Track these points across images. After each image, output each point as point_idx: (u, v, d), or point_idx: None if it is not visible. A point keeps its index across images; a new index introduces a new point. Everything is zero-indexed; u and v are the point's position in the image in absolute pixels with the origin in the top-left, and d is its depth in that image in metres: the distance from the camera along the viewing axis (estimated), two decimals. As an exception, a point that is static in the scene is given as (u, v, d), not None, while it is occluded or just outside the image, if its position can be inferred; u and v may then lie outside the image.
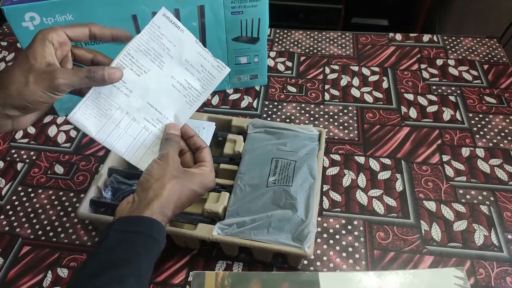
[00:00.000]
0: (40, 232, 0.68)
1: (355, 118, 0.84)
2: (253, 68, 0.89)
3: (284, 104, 0.88)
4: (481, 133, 0.81)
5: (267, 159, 0.68)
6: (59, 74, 0.44)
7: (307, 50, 1.01)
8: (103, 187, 0.66)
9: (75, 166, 0.77)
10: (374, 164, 0.76)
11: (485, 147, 0.78)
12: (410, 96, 0.89)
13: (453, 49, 1.00)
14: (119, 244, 0.43)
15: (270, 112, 0.86)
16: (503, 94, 0.88)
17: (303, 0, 1.70)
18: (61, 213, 0.70)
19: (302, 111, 0.86)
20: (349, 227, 0.67)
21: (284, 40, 1.04)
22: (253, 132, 0.73)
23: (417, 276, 0.60)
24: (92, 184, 0.65)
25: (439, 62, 0.97)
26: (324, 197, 0.71)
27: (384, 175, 0.74)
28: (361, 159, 0.77)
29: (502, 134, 0.81)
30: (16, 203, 0.72)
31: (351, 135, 0.81)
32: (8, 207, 0.71)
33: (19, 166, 0.78)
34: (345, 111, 0.86)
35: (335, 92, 0.90)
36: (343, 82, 0.92)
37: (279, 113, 0.86)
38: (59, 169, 0.77)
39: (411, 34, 1.05)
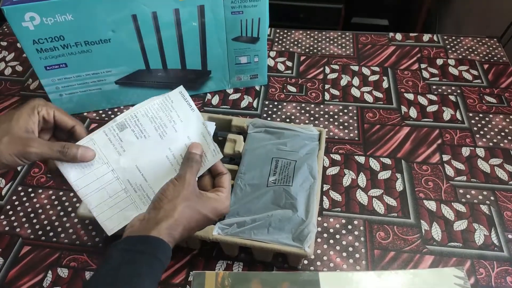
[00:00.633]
0: (40, 232, 0.68)
1: (355, 118, 0.84)
2: (253, 68, 0.89)
3: (284, 104, 0.88)
4: (481, 132, 0.81)
5: (267, 159, 0.68)
6: (33, 143, 0.45)
7: (307, 50, 1.01)
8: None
9: (75, 166, 0.77)
10: (374, 164, 0.76)
11: (485, 147, 0.78)
12: (410, 96, 0.89)
13: (453, 49, 1.00)
14: (121, 265, 0.43)
15: (270, 112, 0.86)
16: (503, 93, 0.88)
17: (303, 0, 1.70)
18: (61, 213, 0.70)
19: (302, 111, 0.86)
20: (349, 226, 0.67)
21: (284, 40, 1.04)
22: (253, 132, 0.73)
23: (417, 276, 0.60)
24: (92, 184, 0.65)
25: (439, 61, 0.97)
26: (324, 197, 0.71)
27: (384, 174, 0.74)
28: (361, 159, 0.77)
29: (502, 133, 0.81)
30: (16, 203, 0.72)
31: (351, 135, 0.81)
32: (8, 207, 0.71)
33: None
34: (345, 110, 0.86)
35: (335, 92, 0.90)
36: (343, 82, 0.92)
37: (279, 113, 0.86)
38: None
39: (411, 34, 1.05)
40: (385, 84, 0.92)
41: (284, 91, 0.91)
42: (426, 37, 1.04)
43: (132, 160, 0.51)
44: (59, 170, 0.49)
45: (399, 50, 1.00)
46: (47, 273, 0.63)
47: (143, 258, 0.43)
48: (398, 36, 1.04)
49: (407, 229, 0.67)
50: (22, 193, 0.73)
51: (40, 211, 0.70)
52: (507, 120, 0.83)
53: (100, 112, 0.88)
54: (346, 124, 0.83)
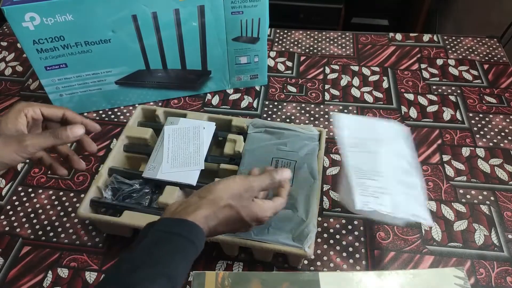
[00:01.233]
0: (40, 232, 0.68)
1: (355, 118, 0.84)
2: (253, 68, 0.89)
3: (284, 104, 0.88)
4: (481, 132, 0.81)
5: (267, 159, 0.68)
6: (26, 137, 0.47)
7: (307, 50, 1.01)
8: (103, 187, 0.66)
9: (75, 166, 0.77)
10: (374, 164, 0.76)
11: (485, 147, 0.78)
12: (410, 96, 0.89)
13: (453, 49, 1.00)
14: (157, 244, 0.43)
15: (270, 112, 0.86)
16: (503, 94, 0.88)
17: (303, 0, 1.70)
18: (61, 213, 0.70)
19: (302, 111, 0.86)
20: (349, 227, 0.67)
21: (284, 40, 1.04)
22: (253, 132, 0.73)
23: (417, 276, 0.59)
24: (92, 184, 0.65)
25: (439, 62, 0.97)
26: (324, 197, 0.71)
27: (384, 175, 0.74)
28: (361, 159, 0.77)
29: (502, 134, 0.81)
30: (17, 203, 0.72)
31: (351, 135, 0.81)
32: (8, 207, 0.71)
33: (19, 166, 0.78)
34: (345, 111, 0.86)
35: (335, 92, 0.90)
36: (343, 82, 0.92)
37: (279, 113, 0.86)
38: (59, 169, 0.77)
39: (411, 34, 1.05)
40: (385, 84, 0.92)
41: (284, 91, 0.91)
42: (426, 37, 1.04)
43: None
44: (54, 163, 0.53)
45: (399, 50, 1.00)
46: (47, 273, 0.63)
47: (179, 240, 0.44)
48: (398, 36, 1.04)
49: (407, 229, 0.67)
50: (22, 193, 0.73)
51: (40, 211, 0.70)
52: (507, 120, 0.83)
53: (100, 112, 0.88)
54: (346, 124, 0.83)
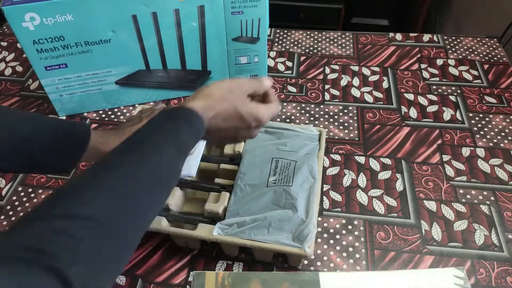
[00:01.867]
0: (40, 232, 0.68)
1: (355, 118, 0.84)
2: (253, 68, 0.89)
3: (284, 104, 0.88)
4: (481, 133, 0.81)
5: (267, 159, 0.68)
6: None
7: (307, 50, 1.01)
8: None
9: (75, 166, 0.77)
10: (374, 164, 0.76)
11: (486, 147, 0.78)
12: (410, 96, 0.89)
13: (453, 49, 1.00)
14: (162, 120, 0.45)
15: (270, 112, 0.86)
16: (503, 94, 0.88)
17: (303, 0, 1.70)
18: (61, 213, 0.70)
19: (302, 111, 0.86)
20: (350, 227, 0.67)
21: (284, 40, 1.04)
22: (253, 132, 0.73)
23: (418, 276, 0.60)
24: (92, 184, 0.65)
25: (439, 62, 0.97)
26: (324, 197, 0.71)
27: (384, 175, 0.74)
28: (361, 159, 0.77)
29: (502, 134, 0.81)
30: (17, 203, 0.72)
31: (351, 135, 0.81)
32: (9, 207, 0.71)
33: (19, 166, 0.77)
34: (345, 111, 0.86)
35: (335, 92, 0.90)
36: (343, 82, 0.92)
37: (279, 113, 0.86)
38: (59, 169, 0.77)
39: (411, 34, 1.05)
40: (385, 84, 0.92)
41: (284, 91, 0.91)
42: (426, 37, 1.04)
43: None
44: None
45: (399, 50, 1.00)
46: (47, 273, 0.63)
47: (179, 123, 0.45)
48: (398, 36, 1.04)
49: (407, 229, 0.67)
50: (22, 193, 0.73)
51: (40, 211, 0.70)
52: (507, 120, 0.83)
53: (100, 112, 0.88)
54: (346, 124, 0.83)
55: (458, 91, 0.89)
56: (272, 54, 1.00)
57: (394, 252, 0.64)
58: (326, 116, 0.85)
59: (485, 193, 0.71)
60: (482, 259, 0.63)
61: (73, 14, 0.70)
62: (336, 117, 0.85)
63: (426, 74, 0.94)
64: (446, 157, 0.77)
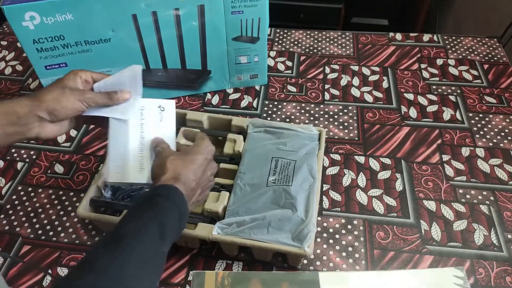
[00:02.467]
0: (40, 232, 0.68)
1: (355, 117, 0.84)
2: (253, 68, 0.89)
3: (284, 103, 0.88)
4: (481, 132, 0.81)
5: (267, 159, 0.68)
6: (87, 92, 0.55)
7: (307, 50, 1.01)
8: (103, 186, 0.66)
9: (75, 166, 0.77)
10: (374, 164, 0.76)
11: (485, 147, 0.78)
12: (410, 96, 0.89)
13: (453, 49, 1.00)
14: (141, 203, 0.49)
15: (270, 112, 0.86)
16: (503, 94, 0.88)
17: (303, 0, 1.70)
18: (61, 213, 0.70)
19: (302, 111, 0.86)
20: (349, 226, 0.67)
21: (284, 39, 1.04)
22: (253, 131, 0.73)
23: (417, 275, 0.60)
24: (92, 184, 0.65)
25: (439, 61, 0.97)
26: (324, 196, 0.71)
27: (384, 174, 0.74)
28: (361, 159, 0.77)
29: (502, 134, 0.81)
30: (16, 202, 0.72)
31: (351, 134, 0.81)
32: (8, 206, 0.71)
33: (19, 165, 0.78)
34: (345, 110, 0.86)
35: (335, 92, 0.90)
36: (343, 82, 0.92)
37: (279, 112, 0.86)
38: (59, 168, 0.77)
39: (411, 34, 1.05)
40: (385, 84, 0.92)
41: (284, 91, 0.91)
42: (426, 37, 1.04)
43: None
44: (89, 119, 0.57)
45: (399, 50, 1.00)
46: (47, 272, 0.63)
47: (159, 197, 0.49)
48: (398, 36, 1.04)
49: (406, 229, 0.67)
50: (22, 193, 0.73)
51: (40, 210, 0.70)
52: (507, 120, 0.83)
53: (100, 111, 0.87)
54: (346, 124, 0.83)
55: (458, 91, 0.89)
56: (272, 53, 1.00)
57: (393, 252, 0.64)
58: (326, 116, 0.85)
59: (484, 193, 0.71)
60: (481, 259, 0.63)
61: (73, 13, 0.70)
62: (336, 116, 0.85)
63: (426, 74, 0.94)
64: (445, 157, 0.77)
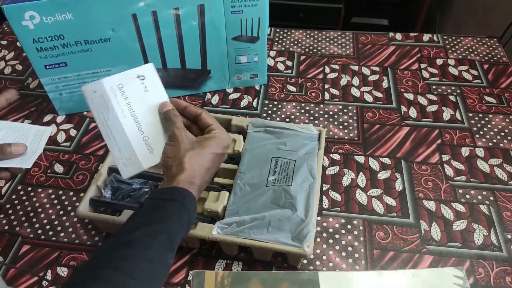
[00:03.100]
0: (39, 231, 0.68)
1: (355, 117, 0.84)
2: (253, 67, 0.89)
3: (284, 103, 0.88)
4: (481, 132, 0.81)
5: (267, 159, 0.68)
6: None
7: (307, 50, 1.01)
8: (103, 186, 0.66)
9: (74, 165, 0.77)
10: (373, 164, 0.76)
11: (485, 147, 0.78)
12: (410, 96, 0.89)
13: (453, 49, 1.00)
14: (153, 208, 0.47)
15: (270, 112, 0.86)
16: (503, 93, 0.88)
17: (303, 0, 1.70)
18: (61, 212, 0.70)
19: (302, 111, 0.86)
20: (349, 226, 0.67)
21: (284, 39, 1.04)
22: (253, 131, 0.73)
23: (417, 275, 0.60)
24: (92, 183, 0.65)
25: (439, 61, 0.97)
26: (323, 196, 0.71)
27: (383, 174, 0.74)
28: (361, 159, 0.77)
29: (502, 133, 0.81)
30: (16, 202, 0.72)
31: (351, 134, 0.81)
32: (8, 206, 0.71)
33: (19, 165, 0.77)
34: (345, 110, 0.86)
35: (335, 92, 0.90)
36: (343, 82, 0.92)
37: (279, 112, 0.86)
38: (59, 168, 0.77)
39: (411, 34, 1.05)
40: (385, 84, 0.92)
41: (284, 90, 0.91)
42: (426, 37, 1.04)
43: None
44: None
45: (399, 50, 1.00)
46: (47, 272, 0.63)
47: (171, 203, 0.48)
48: (398, 36, 1.04)
49: (406, 229, 0.67)
50: (21, 192, 0.73)
51: (39, 210, 0.70)
52: (507, 120, 0.83)
53: (100, 111, 0.87)
54: (345, 124, 0.83)
55: (458, 91, 0.89)
56: (272, 53, 1.00)
57: (393, 252, 0.64)
58: (326, 116, 0.85)
59: (484, 193, 0.71)
60: (481, 259, 0.63)
61: (73, 13, 0.70)
62: (335, 116, 0.85)
63: (426, 74, 0.94)
64: (445, 157, 0.77)
